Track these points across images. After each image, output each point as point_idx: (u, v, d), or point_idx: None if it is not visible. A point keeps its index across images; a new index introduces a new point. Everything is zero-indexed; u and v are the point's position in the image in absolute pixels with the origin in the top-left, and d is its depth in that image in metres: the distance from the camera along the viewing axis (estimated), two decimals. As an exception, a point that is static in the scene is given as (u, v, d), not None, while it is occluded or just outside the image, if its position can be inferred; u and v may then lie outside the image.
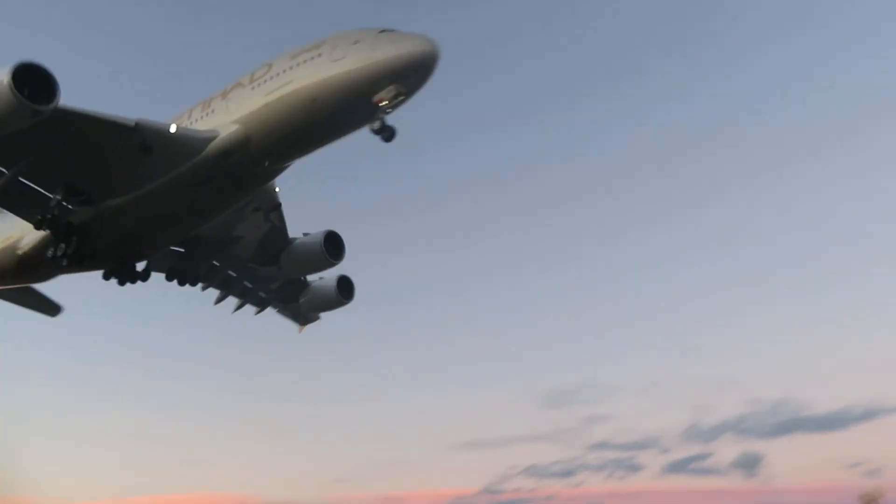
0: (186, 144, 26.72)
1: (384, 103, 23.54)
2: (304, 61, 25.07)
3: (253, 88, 26.35)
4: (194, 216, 29.84)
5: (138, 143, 26.43)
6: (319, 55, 24.81)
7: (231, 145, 26.51)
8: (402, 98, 23.71)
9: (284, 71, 25.54)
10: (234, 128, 26.36)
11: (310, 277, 35.86)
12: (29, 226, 29.56)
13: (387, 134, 23.88)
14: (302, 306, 36.92)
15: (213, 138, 26.56)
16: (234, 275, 35.19)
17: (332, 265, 33.18)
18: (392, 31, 24.30)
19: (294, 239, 33.47)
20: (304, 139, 26.54)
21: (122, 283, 32.47)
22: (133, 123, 26.28)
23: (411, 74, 23.58)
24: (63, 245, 29.18)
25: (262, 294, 36.83)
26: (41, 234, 30.13)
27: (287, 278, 35.56)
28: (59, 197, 27.99)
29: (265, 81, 25.94)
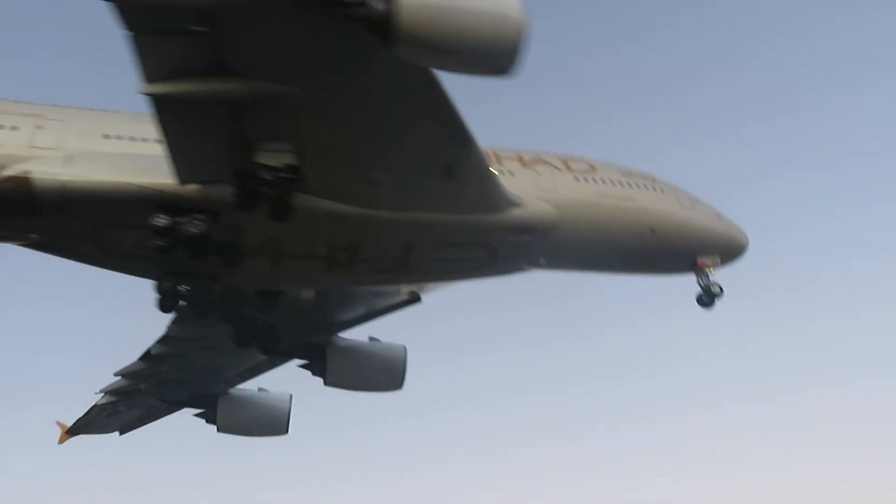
0: (491, 196, 21.40)
1: (705, 269, 25.74)
2: (643, 187, 25.35)
3: (577, 180, 24.03)
4: (392, 272, 22.98)
5: (451, 161, 19.97)
6: (661, 191, 25.63)
7: (538, 224, 22.52)
8: (711, 272, 25.88)
9: (620, 183, 24.86)
10: (546, 207, 22.78)
11: (242, 386, 30.04)
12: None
13: (709, 301, 25.71)
14: (219, 421, 30.04)
15: (519, 205, 22.03)
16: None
17: (397, 389, 28.00)
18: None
19: (344, 339, 27.57)
20: (604, 257, 25.03)
21: (193, 312, 22.61)
22: (473, 138, 19.53)
23: (733, 258, 26.92)
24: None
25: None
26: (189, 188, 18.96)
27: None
28: (282, 161, 17.98)
29: (592, 180, 24.39)
